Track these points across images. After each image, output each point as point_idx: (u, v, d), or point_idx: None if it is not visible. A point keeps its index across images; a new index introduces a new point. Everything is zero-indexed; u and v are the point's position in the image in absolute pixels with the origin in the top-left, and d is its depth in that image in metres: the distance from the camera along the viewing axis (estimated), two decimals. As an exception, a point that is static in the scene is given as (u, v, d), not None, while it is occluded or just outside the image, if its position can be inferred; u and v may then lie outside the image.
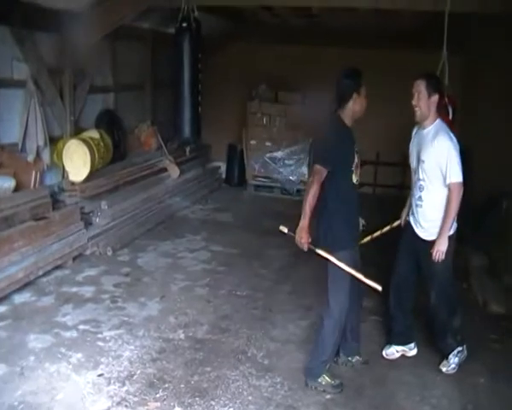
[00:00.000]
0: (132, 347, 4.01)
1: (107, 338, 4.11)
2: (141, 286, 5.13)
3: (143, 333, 4.22)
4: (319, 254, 3.46)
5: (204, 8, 6.03)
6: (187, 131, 5.96)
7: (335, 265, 3.42)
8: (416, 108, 3.63)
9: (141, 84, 8.33)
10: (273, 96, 9.07)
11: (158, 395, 3.44)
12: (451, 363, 3.85)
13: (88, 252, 5.79)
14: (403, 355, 4.03)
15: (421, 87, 3.60)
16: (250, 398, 3.47)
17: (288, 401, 3.47)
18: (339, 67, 3.56)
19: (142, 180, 7.32)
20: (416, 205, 3.75)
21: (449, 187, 3.54)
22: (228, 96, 9.44)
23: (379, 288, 3.47)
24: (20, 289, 4.78)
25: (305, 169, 8.67)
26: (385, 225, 4.19)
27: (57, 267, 5.31)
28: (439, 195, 3.61)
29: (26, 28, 5.54)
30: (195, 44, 5.70)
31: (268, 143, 8.93)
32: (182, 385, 3.56)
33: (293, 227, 3.44)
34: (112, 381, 3.56)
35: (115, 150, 6.99)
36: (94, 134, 6.47)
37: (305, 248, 3.40)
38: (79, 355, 3.84)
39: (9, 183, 5.27)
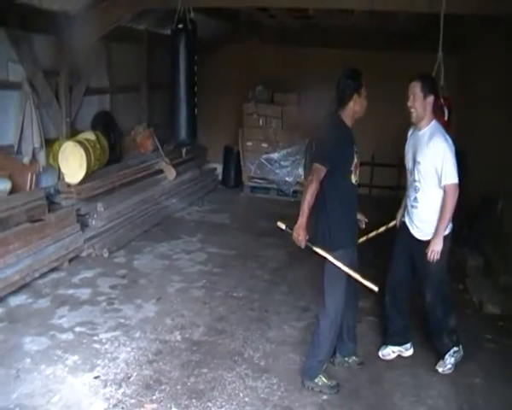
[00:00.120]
0: (129, 349, 4.00)
1: (104, 340, 4.10)
2: (137, 288, 5.12)
3: (140, 335, 4.21)
4: (316, 252, 3.47)
5: (200, 9, 6.03)
6: (183, 132, 5.94)
7: (332, 264, 3.43)
8: (412, 110, 3.64)
9: (137, 85, 8.32)
10: (269, 98, 9.08)
11: (154, 397, 3.44)
12: (447, 363, 3.86)
13: (84, 254, 5.78)
14: (399, 356, 4.04)
15: (416, 88, 3.61)
16: (247, 399, 3.47)
17: (285, 401, 3.47)
18: (335, 69, 3.58)
19: (138, 182, 7.32)
20: (412, 206, 3.76)
21: (444, 188, 3.55)
22: (224, 97, 9.45)
23: (375, 288, 3.49)
24: (15, 292, 4.77)
25: (301, 170, 8.68)
26: (381, 226, 4.20)
27: (53, 269, 5.30)
28: (434, 196, 3.62)
29: (22, 30, 5.52)
30: (191, 46, 5.69)
31: (264, 145, 8.94)
32: (178, 387, 3.56)
33: (291, 225, 3.45)
34: (108, 383, 3.56)
35: (111, 152, 6.98)
36: (90, 136, 6.45)
37: (303, 245, 3.42)
38: (75, 357, 3.84)
39: (5, 185, 5.26)
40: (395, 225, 4.10)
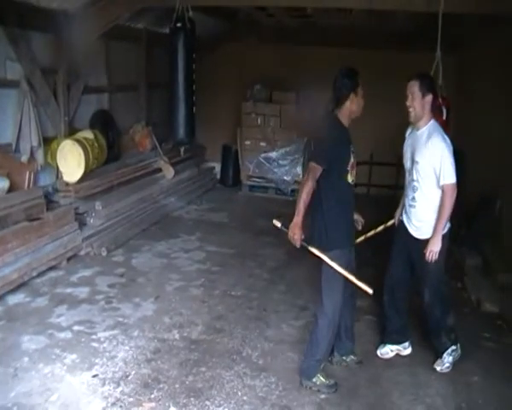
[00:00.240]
0: (127, 347, 4.00)
1: (102, 339, 4.10)
2: (135, 287, 5.12)
3: (138, 334, 4.21)
4: (311, 252, 3.47)
5: (198, 8, 6.03)
6: (181, 131, 5.95)
7: (328, 263, 3.42)
8: (411, 109, 3.64)
9: (135, 84, 8.32)
10: (267, 96, 9.08)
11: (153, 396, 3.43)
12: (445, 362, 3.87)
13: (82, 253, 5.77)
14: (397, 354, 4.05)
15: (414, 88, 3.61)
16: (245, 398, 3.47)
17: (283, 400, 3.47)
18: (333, 67, 3.57)
19: (136, 181, 7.31)
20: (410, 205, 3.77)
21: (442, 188, 3.55)
22: (222, 96, 9.45)
23: (370, 291, 3.46)
24: (13, 291, 4.76)
25: (299, 169, 8.69)
26: (379, 225, 4.20)
27: (51, 268, 5.29)
28: (432, 195, 3.62)
29: (20, 28, 5.51)
30: (190, 44, 5.69)
31: (262, 144, 8.95)
32: (177, 385, 3.56)
33: (287, 223, 3.45)
34: (106, 382, 3.55)
35: (109, 151, 6.98)
36: (88, 134, 6.45)
37: (298, 244, 3.42)
38: (74, 356, 3.83)
39: (3, 183, 5.25)
40: (393, 225, 4.10)
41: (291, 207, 3.57)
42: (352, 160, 3.48)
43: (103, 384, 3.52)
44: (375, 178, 9.20)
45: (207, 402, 3.40)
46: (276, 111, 8.86)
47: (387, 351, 4.05)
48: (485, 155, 6.47)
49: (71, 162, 5.97)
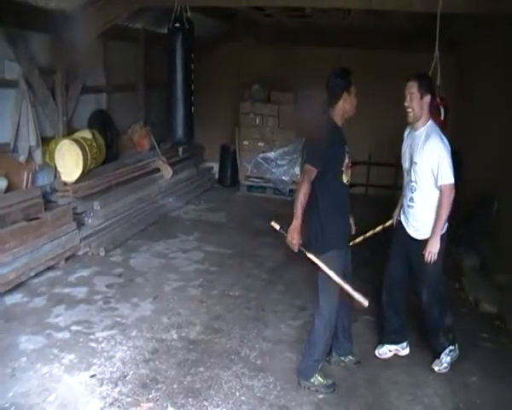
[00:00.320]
0: (125, 347, 4.00)
1: (100, 339, 4.09)
2: (133, 287, 5.11)
3: (136, 334, 4.21)
4: (308, 258, 3.46)
5: (197, 8, 6.03)
6: (180, 131, 5.95)
7: (323, 271, 3.41)
8: (409, 110, 3.64)
9: (133, 84, 8.31)
10: (266, 96, 9.08)
11: (151, 396, 3.43)
12: (443, 362, 3.87)
13: (80, 253, 5.77)
14: (395, 355, 4.05)
15: (413, 88, 3.61)
16: (243, 398, 3.47)
17: (281, 401, 3.47)
18: (331, 67, 3.57)
19: (134, 181, 7.31)
20: (408, 206, 3.77)
21: (440, 189, 3.56)
22: (221, 96, 9.45)
23: (365, 303, 3.42)
24: (11, 290, 4.75)
25: (297, 169, 8.67)
26: (377, 225, 4.21)
27: (49, 268, 5.29)
28: (430, 196, 3.63)
29: (18, 28, 5.50)
30: (188, 44, 5.70)
31: (261, 144, 8.94)
32: (175, 386, 3.56)
33: (286, 226, 3.44)
34: (104, 382, 3.55)
35: (108, 151, 6.97)
36: (86, 134, 6.44)
37: (296, 249, 3.41)
38: (72, 356, 3.83)
39: (1, 183, 5.25)
40: (392, 225, 4.10)
41: (289, 208, 3.56)
42: (346, 160, 3.48)
43: (101, 384, 3.52)
44: (373, 178, 9.21)
45: (205, 402, 3.39)
46: (275, 111, 8.85)
47: (385, 351, 4.05)
48: (483, 155, 6.47)
49: (69, 162, 5.97)
